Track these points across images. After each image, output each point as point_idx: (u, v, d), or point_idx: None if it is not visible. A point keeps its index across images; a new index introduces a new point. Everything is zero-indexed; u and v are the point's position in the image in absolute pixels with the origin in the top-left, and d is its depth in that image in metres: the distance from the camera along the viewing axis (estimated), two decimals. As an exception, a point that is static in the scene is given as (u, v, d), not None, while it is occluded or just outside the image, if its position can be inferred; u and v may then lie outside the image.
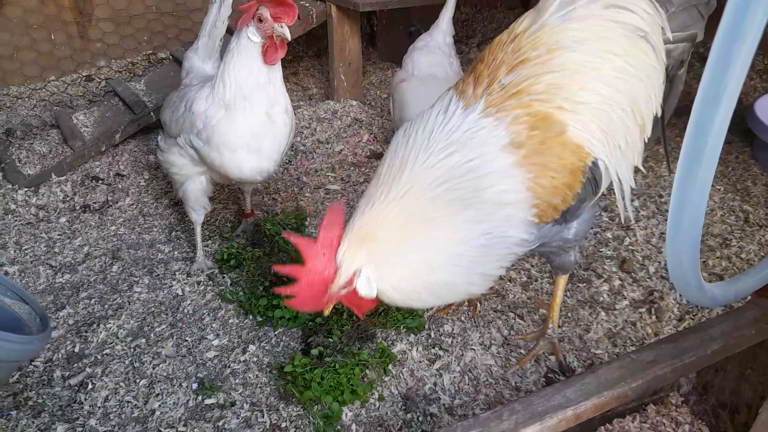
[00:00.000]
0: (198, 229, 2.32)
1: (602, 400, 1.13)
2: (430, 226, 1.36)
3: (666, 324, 2.07)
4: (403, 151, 1.43)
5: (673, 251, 0.91)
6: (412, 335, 2.01)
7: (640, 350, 1.26)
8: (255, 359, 1.93)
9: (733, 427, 1.54)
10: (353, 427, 1.71)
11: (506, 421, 1.06)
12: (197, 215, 2.27)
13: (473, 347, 1.97)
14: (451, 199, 1.35)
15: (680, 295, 2.18)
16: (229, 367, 1.90)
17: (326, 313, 1.43)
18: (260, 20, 1.88)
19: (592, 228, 2.48)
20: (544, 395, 1.12)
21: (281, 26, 1.86)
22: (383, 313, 2.02)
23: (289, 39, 1.90)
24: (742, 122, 3.27)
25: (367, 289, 1.37)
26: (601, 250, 2.42)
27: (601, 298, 2.19)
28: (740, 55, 0.66)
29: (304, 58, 4.34)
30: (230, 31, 2.35)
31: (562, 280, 1.87)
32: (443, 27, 2.94)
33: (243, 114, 1.96)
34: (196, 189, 2.21)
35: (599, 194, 1.51)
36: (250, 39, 1.91)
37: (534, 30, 1.44)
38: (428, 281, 1.39)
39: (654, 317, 2.10)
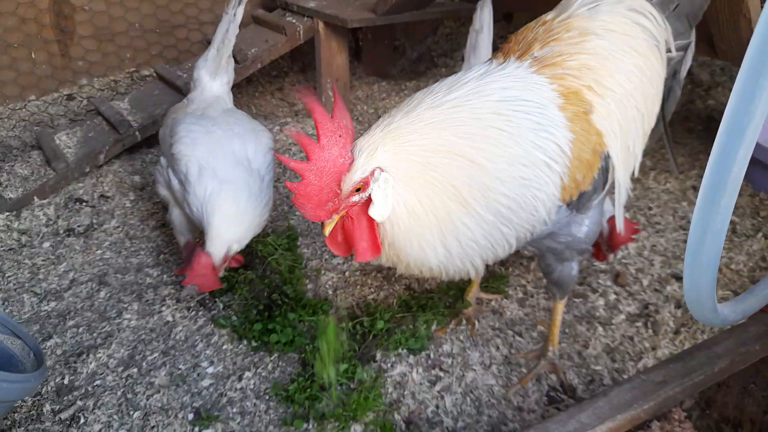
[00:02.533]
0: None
1: (616, 424, 1.11)
2: (471, 147, 1.23)
3: (663, 337, 2.08)
4: (452, 79, 1.36)
5: (692, 277, 0.91)
6: (412, 356, 1.98)
7: (648, 371, 1.26)
8: (252, 386, 1.88)
9: (738, 443, 1.54)
10: (356, 454, 1.68)
11: (523, 450, 1.03)
12: (184, 239, 2.23)
13: (474, 367, 1.96)
14: (500, 129, 1.26)
15: (684, 310, 2.19)
16: (225, 395, 1.85)
17: (326, 232, 1.26)
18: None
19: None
20: (559, 421, 1.10)
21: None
22: (386, 333, 1.99)
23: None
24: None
25: (381, 201, 1.22)
26: (594, 264, 2.42)
27: (598, 313, 2.19)
28: (765, 86, 0.66)
29: (289, 73, 4.32)
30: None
31: (560, 305, 1.87)
32: None
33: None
34: (181, 215, 2.17)
35: (605, 191, 1.51)
36: None
37: (564, 17, 1.48)
38: (448, 216, 1.25)
39: (651, 331, 2.11)
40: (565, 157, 1.32)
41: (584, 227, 1.54)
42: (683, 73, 1.66)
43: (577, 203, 1.42)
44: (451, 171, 1.23)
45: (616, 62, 1.43)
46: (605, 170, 1.45)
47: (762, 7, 0.65)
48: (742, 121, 0.68)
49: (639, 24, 1.49)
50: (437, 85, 1.37)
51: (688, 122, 3.62)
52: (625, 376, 1.94)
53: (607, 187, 1.50)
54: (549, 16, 1.53)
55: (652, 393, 1.19)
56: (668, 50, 1.55)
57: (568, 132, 1.33)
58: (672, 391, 1.20)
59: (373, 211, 1.23)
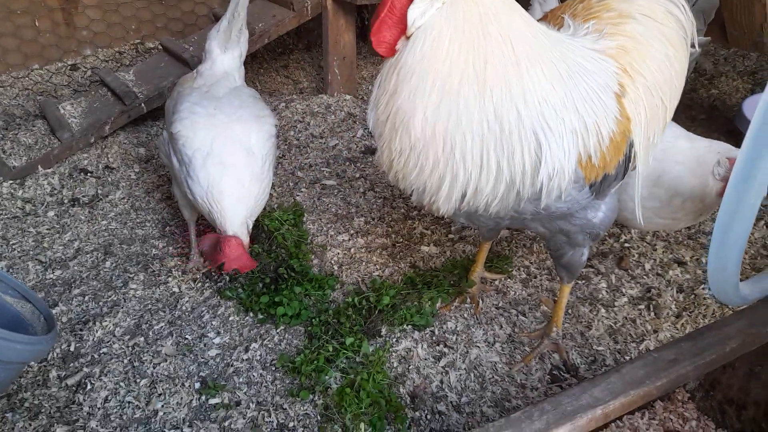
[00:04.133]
0: (192, 227, 2.27)
1: (629, 399, 1.13)
2: (530, 53, 1.16)
3: (664, 321, 2.10)
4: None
5: (719, 253, 0.91)
6: (417, 332, 1.99)
7: (660, 349, 1.27)
8: (258, 357, 1.89)
9: (740, 424, 1.56)
10: (362, 426, 1.69)
11: (537, 421, 1.05)
12: (188, 213, 2.22)
13: (477, 344, 1.97)
14: (561, 60, 1.24)
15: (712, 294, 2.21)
16: (232, 365, 1.86)
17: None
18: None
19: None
20: (572, 395, 1.11)
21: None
22: (391, 309, 2.00)
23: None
24: (728, 122, 3.33)
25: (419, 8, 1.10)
26: (598, 247, 2.43)
27: (601, 295, 2.21)
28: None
29: (294, 50, 4.28)
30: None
31: (567, 289, 1.88)
32: None
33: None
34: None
35: (623, 179, 1.51)
36: None
37: None
38: (460, 82, 1.13)
39: (653, 314, 2.13)
40: (616, 121, 1.33)
41: (600, 213, 1.54)
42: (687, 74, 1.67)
43: (599, 186, 1.42)
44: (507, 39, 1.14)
45: (650, 49, 1.44)
46: (627, 158, 1.45)
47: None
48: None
49: (672, 14, 1.50)
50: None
51: (690, 111, 3.62)
52: (628, 358, 1.96)
53: (625, 176, 1.50)
54: None
55: (664, 370, 1.20)
56: (692, 45, 1.56)
57: (617, 102, 1.35)
58: (684, 369, 1.21)
59: (412, 9, 1.12)
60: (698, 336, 1.29)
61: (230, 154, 1.98)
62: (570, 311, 2.11)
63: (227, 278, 2.20)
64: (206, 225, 2.50)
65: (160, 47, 3.55)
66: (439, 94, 1.14)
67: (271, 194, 2.73)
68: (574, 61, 1.31)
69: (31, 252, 2.33)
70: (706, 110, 3.63)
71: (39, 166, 2.75)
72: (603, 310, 2.13)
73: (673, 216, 1.99)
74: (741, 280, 1.31)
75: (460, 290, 2.14)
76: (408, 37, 1.16)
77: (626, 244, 2.47)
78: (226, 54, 2.33)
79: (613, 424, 1.59)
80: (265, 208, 2.58)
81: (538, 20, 1.45)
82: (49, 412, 1.69)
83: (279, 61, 4.11)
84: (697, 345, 1.27)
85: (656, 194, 1.94)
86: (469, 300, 2.14)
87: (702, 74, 4.02)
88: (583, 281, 2.26)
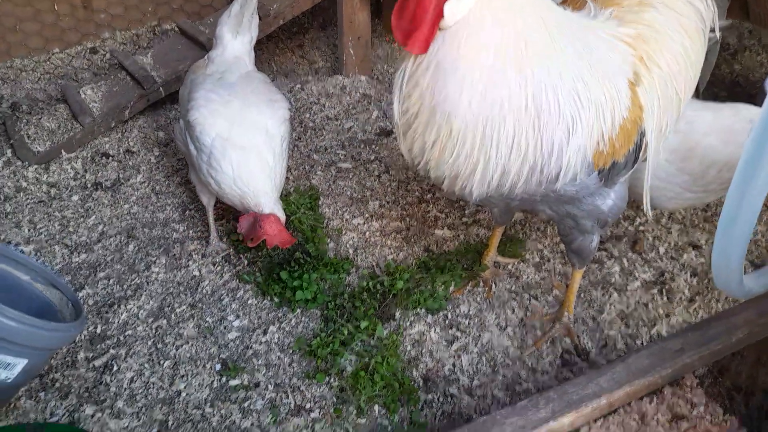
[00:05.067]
0: (210, 212, 2.32)
1: (634, 389, 1.16)
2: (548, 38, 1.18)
3: (677, 305, 2.11)
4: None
5: (723, 246, 0.93)
6: (430, 316, 2.04)
7: (667, 338, 1.29)
8: (276, 340, 1.96)
9: (747, 410, 1.59)
10: (375, 407, 1.75)
11: (543, 409, 1.09)
12: (206, 198, 2.27)
13: (490, 329, 2.01)
14: (580, 40, 1.27)
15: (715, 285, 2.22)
16: (251, 348, 1.93)
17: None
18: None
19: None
20: (578, 384, 1.15)
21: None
22: (405, 293, 2.05)
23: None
24: (750, 99, 3.27)
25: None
26: (612, 230, 2.44)
27: (613, 279, 2.22)
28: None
29: (309, 30, 4.26)
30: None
31: (578, 274, 1.91)
32: None
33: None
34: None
35: (633, 169, 1.53)
36: None
37: None
38: (504, 68, 1.15)
39: (665, 298, 2.14)
40: (627, 109, 1.35)
41: (609, 200, 1.56)
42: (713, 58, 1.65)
43: (608, 173, 1.43)
44: (535, 43, 1.17)
45: (667, 40, 1.44)
46: (638, 147, 1.45)
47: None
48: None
49: (692, 4, 1.49)
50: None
51: (712, 87, 3.54)
52: (639, 342, 1.99)
53: (636, 165, 1.51)
54: None
55: (669, 360, 1.23)
56: (711, 30, 1.54)
57: (629, 88, 1.36)
58: (689, 359, 1.24)
59: (449, 5, 1.12)
60: (705, 326, 1.31)
61: (250, 138, 2.02)
62: (582, 295, 2.14)
63: (245, 262, 2.26)
64: (224, 209, 2.55)
65: (176, 29, 3.57)
66: (485, 84, 1.15)
67: (287, 177, 2.77)
68: (595, 44, 1.32)
69: (57, 236, 2.41)
70: (728, 87, 3.55)
71: (62, 151, 2.81)
72: (615, 295, 2.15)
73: (706, 188, 2.00)
74: (753, 265, 1.32)
75: (474, 274, 2.18)
76: (442, 29, 1.16)
77: (641, 227, 2.47)
78: (236, 39, 2.35)
79: (621, 409, 1.62)
80: (282, 192, 2.63)
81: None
82: (78, 392, 1.78)
83: (294, 41, 4.10)
84: (704, 335, 1.29)
85: (687, 169, 1.95)
86: (482, 284, 2.17)
87: (725, 49, 3.92)
88: (596, 265, 2.27)
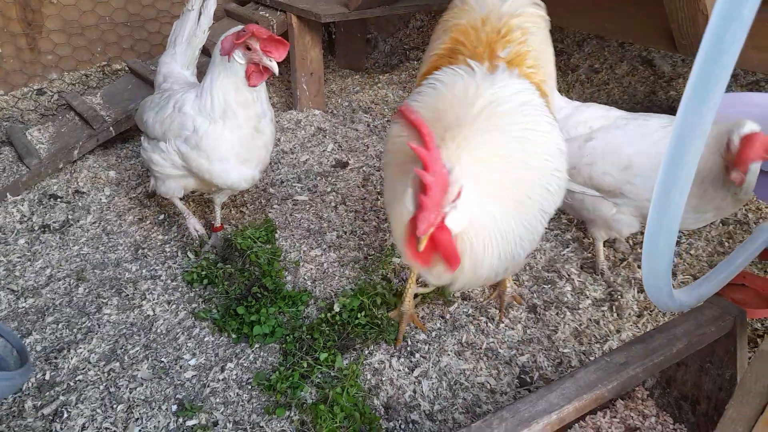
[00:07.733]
0: (178, 203, 2.42)
1: (582, 403, 1.20)
2: (522, 150, 1.47)
3: (626, 320, 2.18)
4: (462, 85, 1.54)
5: (650, 265, 0.98)
6: (390, 344, 2.04)
7: (612, 353, 1.34)
8: (234, 377, 1.93)
9: (695, 417, 1.65)
10: (337, 439, 1.74)
11: (497, 428, 1.11)
12: (177, 191, 2.35)
13: (448, 352, 2.03)
14: (534, 129, 1.54)
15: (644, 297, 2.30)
16: (208, 386, 1.89)
17: (421, 247, 1.24)
18: (248, 48, 1.99)
19: (550, 230, 2.62)
20: (530, 401, 1.18)
21: (270, 60, 1.97)
22: (367, 325, 2.05)
23: (277, 73, 2.00)
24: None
25: (463, 209, 1.25)
26: (562, 252, 2.52)
27: (566, 298, 2.29)
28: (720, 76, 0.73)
29: (262, 66, 4.32)
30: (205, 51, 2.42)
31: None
32: None
33: (232, 127, 2.09)
34: (174, 187, 2.29)
35: None
36: (237, 61, 2.02)
37: (500, 15, 1.71)
38: (512, 213, 1.42)
39: (615, 314, 2.22)
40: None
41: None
42: None
43: None
44: (516, 174, 1.44)
45: (546, 53, 1.76)
46: None
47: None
48: (691, 127, 0.75)
49: (541, 16, 1.81)
50: (457, 87, 1.54)
51: (650, 113, 3.74)
52: (592, 358, 2.04)
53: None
54: (477, 15, 1.74)
55: (615, 373, 1.27)
56: None
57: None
58: (634, 371, 1.29)
59: (452, 221, 1.25)
60: (648, 338, 1.37)
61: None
62: (537, 315, 2.19)
63: (201, 300, 2.23)
64: (180, 246, 2.52)
65: (126, 69, 3.56)
66: (497, 249, 1.42)
67: (243, 212, 2.77)
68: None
69: (3, 281, 2.33)
70: (666, 111, 3.75)
71: (7, 194, 2.74)
72: (568, 313, 2.21)
73: (717, 206, 1.97)
74: (696, 280, 1.39)
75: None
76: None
77: (589, 248, 2.56)
78: (186, 71, 2.48)
79: (576, 424, 1.66)
80: (237, 227, 2.62)
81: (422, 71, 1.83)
82: (26, 443, 1.70)
83: (247, 78, 4.14)
84: (647, 347, 1.34)
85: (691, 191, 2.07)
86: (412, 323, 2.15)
87: (661, 76, 4.16)
88: (549, 285, 2.34)
